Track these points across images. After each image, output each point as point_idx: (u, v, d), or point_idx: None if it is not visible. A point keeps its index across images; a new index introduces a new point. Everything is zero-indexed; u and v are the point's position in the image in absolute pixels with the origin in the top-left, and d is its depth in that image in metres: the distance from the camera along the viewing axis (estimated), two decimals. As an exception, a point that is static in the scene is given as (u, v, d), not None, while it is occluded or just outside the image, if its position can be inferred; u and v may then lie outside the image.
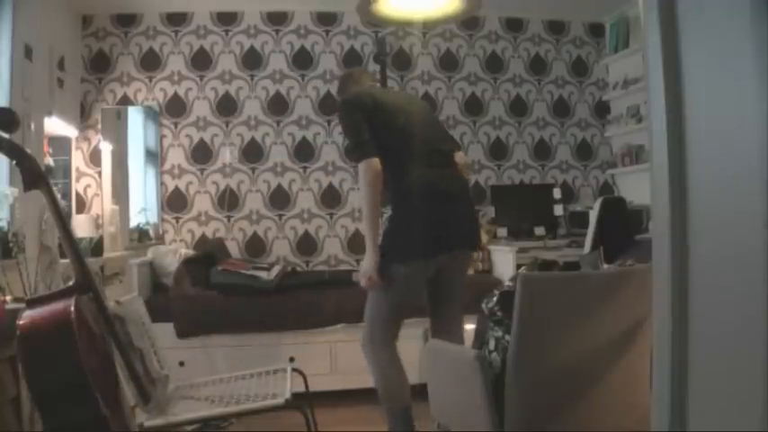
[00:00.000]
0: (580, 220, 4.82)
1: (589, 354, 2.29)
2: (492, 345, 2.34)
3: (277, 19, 5.03)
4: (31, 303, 1.64)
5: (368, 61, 5.07)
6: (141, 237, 4.77)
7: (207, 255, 4.18)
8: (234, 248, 4.78)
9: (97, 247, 4.10)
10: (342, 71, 5.05)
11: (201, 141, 4.88)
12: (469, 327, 3.27)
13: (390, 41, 5.09)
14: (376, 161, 2.57)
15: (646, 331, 2.29)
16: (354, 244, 5.01)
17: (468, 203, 2.82)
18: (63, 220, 1.82)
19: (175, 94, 4.87)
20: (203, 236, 4.83)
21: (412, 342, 3.79)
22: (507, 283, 2.39)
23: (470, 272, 4.27)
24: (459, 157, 2.86)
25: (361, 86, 2.88)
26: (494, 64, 5.28)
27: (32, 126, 3.55)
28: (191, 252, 4.28)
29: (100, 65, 4.79)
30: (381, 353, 2.81)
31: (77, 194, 4.61)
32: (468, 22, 5.12)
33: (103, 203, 4.63)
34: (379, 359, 2.81)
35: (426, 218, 2.61)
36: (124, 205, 4.73)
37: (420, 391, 3.20)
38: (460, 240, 2.74)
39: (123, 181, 4.78)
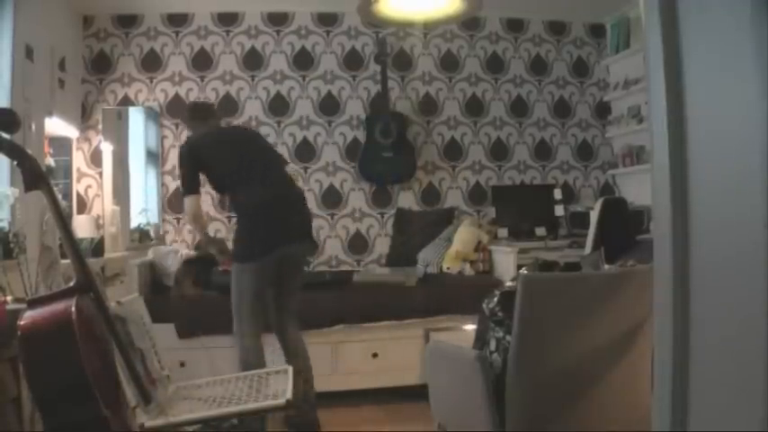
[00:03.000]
0: (581, 220, 4.82)
1: (590, 354, 2.29)
2: (493, 345, 2.35)
3: (278, 19, 5.03)
4: (32, 304, 1.64)
5: (369, 62, 5.07)
6: (142, 237, 4.76)
7: (208, 255, 4.17)
8: (235, 249, 4.78)
9: (98, 248, 4.10)
10: (342, 71, 5.06)
11: (202, 142, 4.87)
12: (469, 327, 3.27)
13: (391, 42, 5.09)
14: (195, 198, 3.26)
15: (646, 332, 2.29)
16: (355, 244, 5.01)
17: (298, 207, 3.33)
18: (64, 221, 1.82)
19: (176, 95, 4.87)
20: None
21: (412, 343, 3.80)
22: (508, 283, 2.40)
23: (471, 272, 4.28)
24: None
25: (205, 128, 3.41)
26: (494, 64, 5.28)
27: (33, 126, 3.56)
28: (191, 253, 4.28)
29: (101, 65, 4.79)
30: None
31: (78, 195, 4.62)
32: (468, 22, 5.12)
33: (104, 204, 4.64)
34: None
35: (263, 224, 3.16)
36: (125, 206, 4.73)
37: (421, 392, 3.20)
38: (294, 235, 3.23)
39: (124, 181, 4.78)
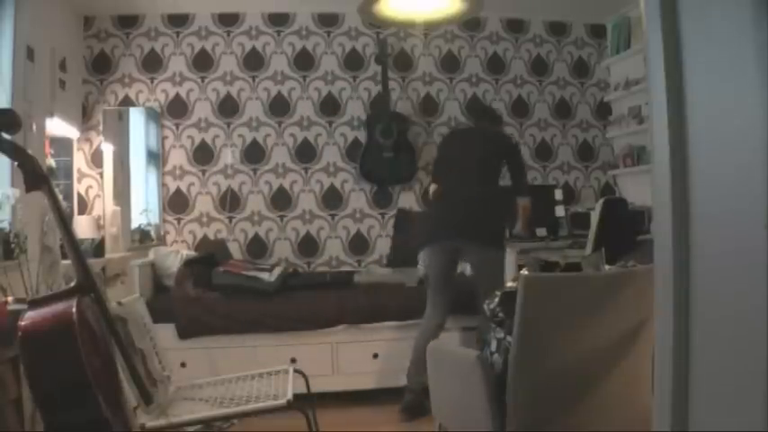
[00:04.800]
0: (582, 221, 4.81)
1: (591, 354, 2.29)
2: (494, 346, 2.35)
3: (278, 20, 5.03)
4: (33, 304, 1.64)
5: (369, 62, 5.08)
6: (143, 238, 4.77)
7: (208, 256, 4.18)
8: (235, 249, 4.79)
9: (99, 248, 4.11)
10: (343, 72, 5.06)
11: (203, 142, 4.88)
12: (470, 328, 3.27)
13: (392, 42, 5.09)
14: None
15: (647, 332, 2.29)
16: (356, 245, 5.01)
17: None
18: (65, 221, 1.83)
19: (177, 96, 4.88)
20: (205, 237, 4.83)
21: (413, 343, 3.79)
22: (509, 284, 2.39)
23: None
24: None
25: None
26: (495, 65, 5.28)
27: (34, 127, 3.56)
28: (192, 253, 4.28)
29: (101, 66, 4.79)
30: None
31: (79, 195, 4.62)
32: (469, 23, 5.11)
33: (105, 204, 4.64)
34: None
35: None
36: (126, 206, 4.73)
37: (423, 392, 3.20)
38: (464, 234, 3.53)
39: (125, 182, 4.78)
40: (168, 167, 4.84)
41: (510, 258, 4.13)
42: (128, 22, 4.84)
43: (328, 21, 5.09)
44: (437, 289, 3.55)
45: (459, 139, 3.95)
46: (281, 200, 4.95)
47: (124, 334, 2.12)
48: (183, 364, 3.53)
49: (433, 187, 3.78)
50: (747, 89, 0.86)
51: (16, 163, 1.77)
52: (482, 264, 3.54)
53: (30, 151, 1.79)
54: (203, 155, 4.87)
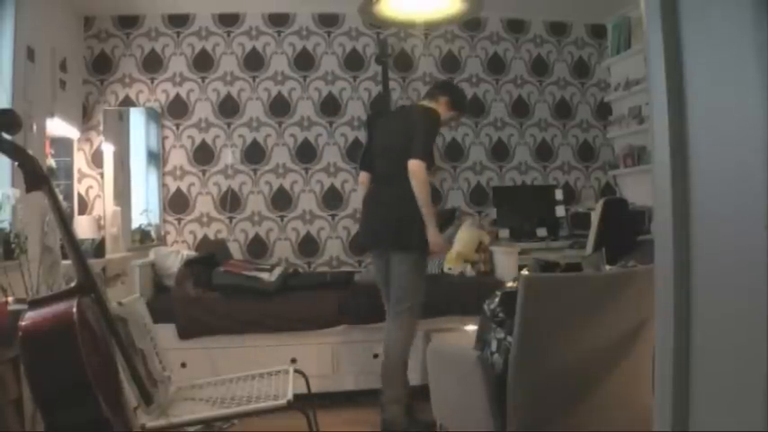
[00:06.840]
0: (582, 221, 4.82)
1: (591, 355, 2.29)
2: (494, 346, 2.34)
3: (279, 20, 5.03)
4: (34, 304, 1.65)
5: (369, 62, 5.08)
6: (143, 238, 4.77)
7: (209, 256, 4.18)
8: (236, 250, 4.79)
9: (99, 249, 4.11)
10: (343, 72, 5.06)
11: (203, 143, 4.88)
12: (470, 328, 3.27)
13: (392, 43, 5.09)
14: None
15: (647, 332, 2.29)
16: (356, 245, 5.01)
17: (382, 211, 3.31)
18: (65, 222, 1.83)
19: (177, 96, 4.88)
20: (205, 237, 4.83)
21: (413, 343, 3.79)
22: (509, 284, 2.40)
23: (472, 273, 4.27)
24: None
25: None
26: (495, 65, 5.28)
27: (34, 127, 3.56)
28: (192, 253, 4.28)
29: (102, 66, 4.80)
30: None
31: (79, 196, 4.62)
32: (469, 23, 5.12)
33: (105, 205, 4.64)
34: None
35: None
36: (126, 206, 4.74)
37: (422, 393, 3.20)
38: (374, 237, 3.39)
39: (125, 182, 4.79)
40: (168, 168, 4.84)
41: (510, 259, 4.14)
42: (128, 22, 4.84)
43: (328, 21, 5.09)
44: (385, 296, 3.43)
45: (381, 123, 3.52)
46: (282, 200, 4.95)
47: (124, 334, 2.12)
48: (183, 365, 3.53)
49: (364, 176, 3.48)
50: (747, 89, 0.86)
51: (16, 163, 1.77)
52: (391, 270, 3.30)
53: (30, 151, 1.80)
54: (203, 155, 4.88)
